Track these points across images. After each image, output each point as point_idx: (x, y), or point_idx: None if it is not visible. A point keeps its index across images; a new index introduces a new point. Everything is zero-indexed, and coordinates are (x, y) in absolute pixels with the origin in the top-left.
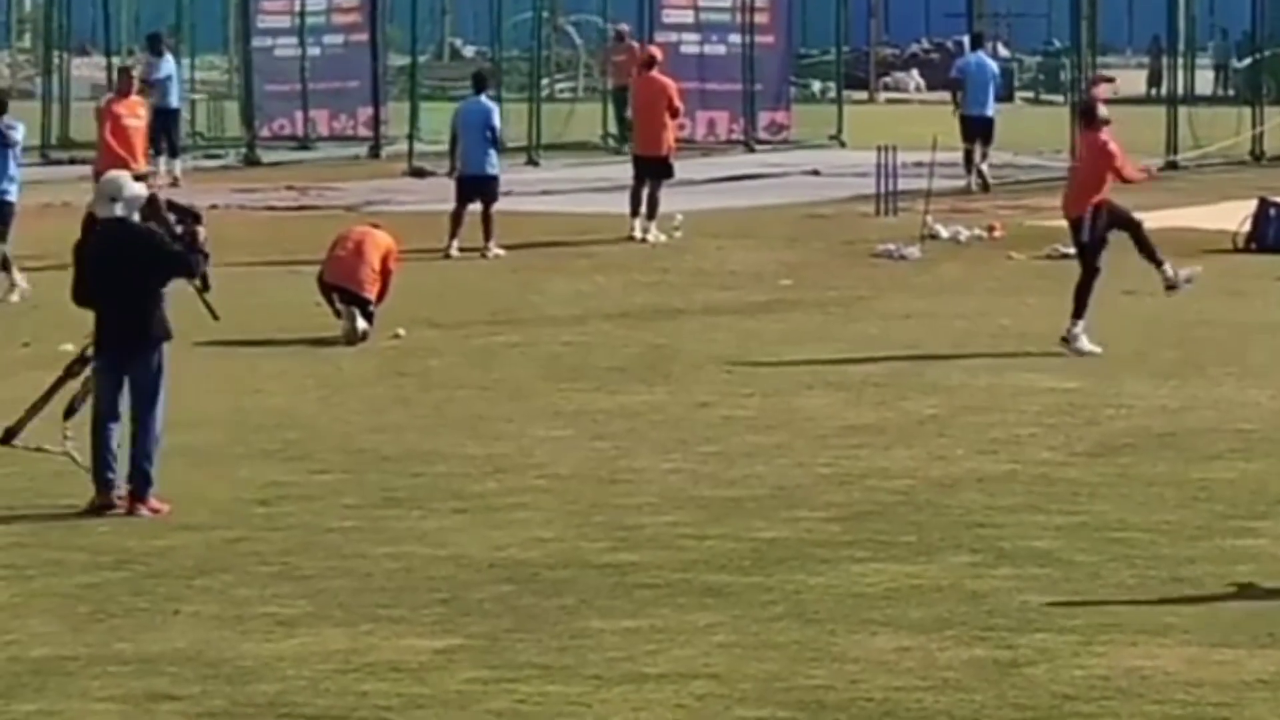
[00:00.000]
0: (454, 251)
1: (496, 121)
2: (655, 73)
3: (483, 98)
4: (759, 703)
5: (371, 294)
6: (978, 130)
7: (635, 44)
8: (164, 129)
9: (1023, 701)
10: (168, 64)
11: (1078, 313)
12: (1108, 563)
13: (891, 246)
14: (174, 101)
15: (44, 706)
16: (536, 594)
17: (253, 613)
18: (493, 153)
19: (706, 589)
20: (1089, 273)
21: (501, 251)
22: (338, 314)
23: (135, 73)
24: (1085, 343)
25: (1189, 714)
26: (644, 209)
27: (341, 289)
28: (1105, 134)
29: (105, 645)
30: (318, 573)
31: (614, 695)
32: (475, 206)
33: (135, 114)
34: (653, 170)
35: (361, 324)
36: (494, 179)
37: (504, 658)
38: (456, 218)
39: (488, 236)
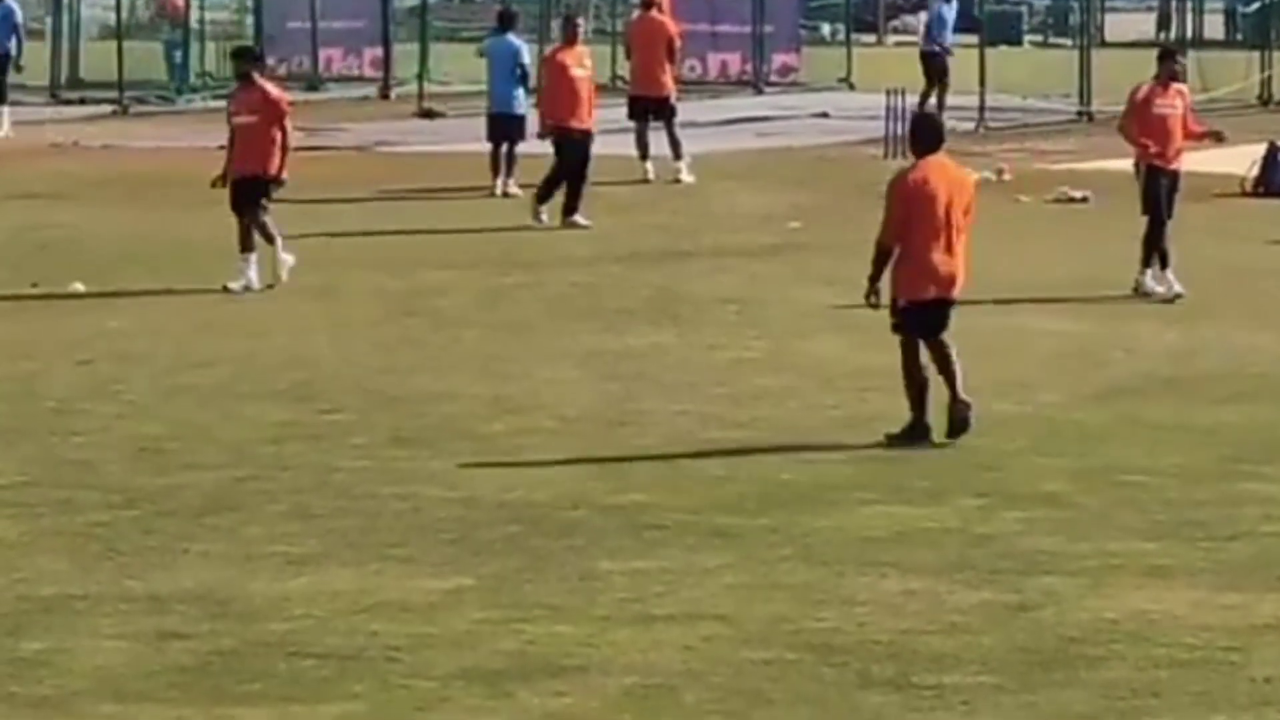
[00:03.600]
0: (498, 190)
1: (526, 59)
2: (654, 13)
3: (509, 36)
4: (766, 644)
5: None
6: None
7: None
8: None
9: (1030, 644)
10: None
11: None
12: (1115, 506)
13: None
14: (6, 47)
15: (53, 644)
16: (545, 535)
17: (262, 552)
18: (520, 91)
19: (715, 531)
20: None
21: (519, 191)
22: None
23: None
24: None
25: (1196, 657)
26: (669, 151)
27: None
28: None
29: (114, 583)
30: (327, 512)
31: (622, 636)
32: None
33: (581, 64)
34: (655, 110)
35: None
36: (520, 118)
37: (512, 598)
38: (495, 157)
39: (508, 173)
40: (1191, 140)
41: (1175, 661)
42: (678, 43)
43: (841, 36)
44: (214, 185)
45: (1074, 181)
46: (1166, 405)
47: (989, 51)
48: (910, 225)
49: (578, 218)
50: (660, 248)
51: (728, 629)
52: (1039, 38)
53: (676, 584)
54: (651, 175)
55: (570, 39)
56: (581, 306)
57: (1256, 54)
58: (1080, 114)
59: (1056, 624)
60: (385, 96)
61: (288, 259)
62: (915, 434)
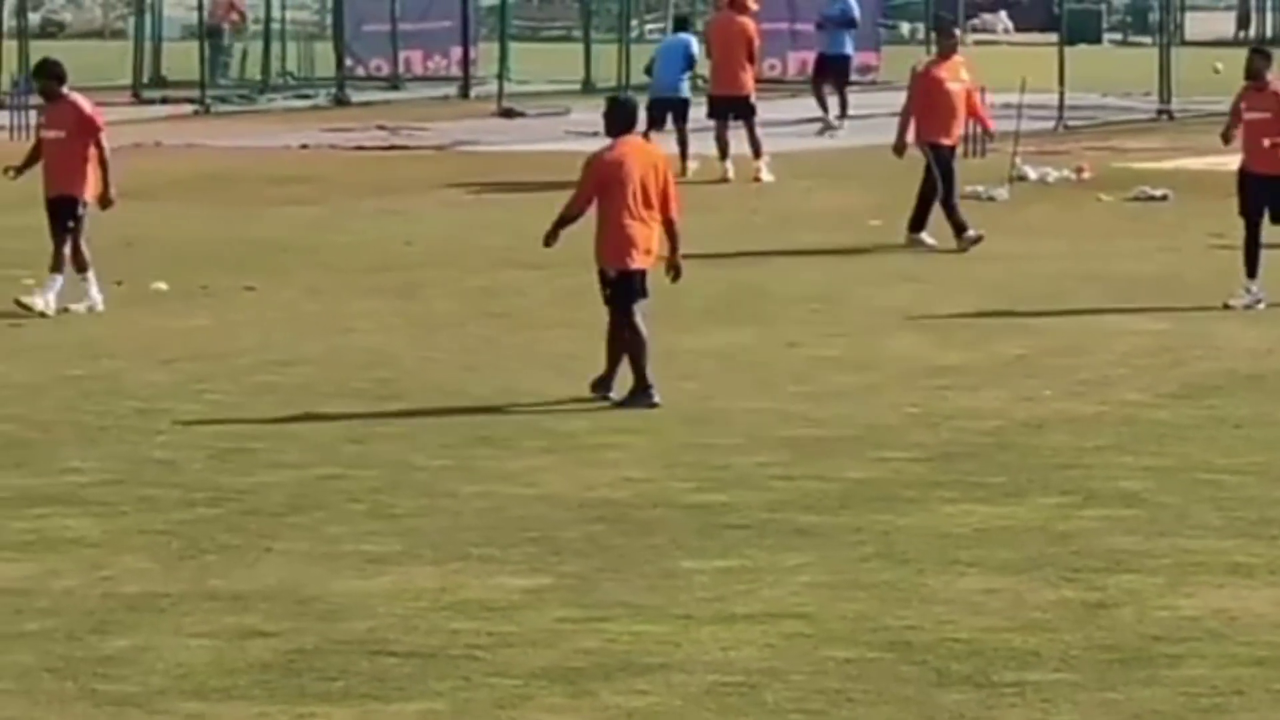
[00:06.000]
0: (690, 171)
1: (695, 50)
2: (735, 13)
3: (682, 34)
4: (848, 643)
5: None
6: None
7: None
8: None
9: (1110, 642)
10: None
11: None
12: (1195, 504)
13: (980, 188)
14: None
15: (137, 642)
16: (626, 534)
17: (344, 550)
18: (685, 77)
19: (795, 529)
20: None
21: (696, 164)
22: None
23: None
24: None
25: (1277, 656)
26: (749, 150)
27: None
28: None
29: (198, 582)
30: (408, 511)
31: (703, 635)
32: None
33: (957, 77)
34: (735, 110)
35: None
36: (685, 100)
37: (593, 597)
38: (646, 137)
39: (683, 156)
40: None
41: (1256, 660)
42: (757, 42)
43: (921, 35)
44: (5, 172)
45: (1154, 180)
46: (1247, 403)
47: (1068, 50)
48: (607, 200)
49: (924, 235)
50: (739, 246)
51: (808, 627)
52: (1118, 36)
53: (757, 582)
54: (731, 174)
55: (946, 51)
56: (660, 305)
57: None
58: (1160, 112)
59: (1136, 622)
60: (465, 95)
61: (56, 304)
62: (640, 395)
